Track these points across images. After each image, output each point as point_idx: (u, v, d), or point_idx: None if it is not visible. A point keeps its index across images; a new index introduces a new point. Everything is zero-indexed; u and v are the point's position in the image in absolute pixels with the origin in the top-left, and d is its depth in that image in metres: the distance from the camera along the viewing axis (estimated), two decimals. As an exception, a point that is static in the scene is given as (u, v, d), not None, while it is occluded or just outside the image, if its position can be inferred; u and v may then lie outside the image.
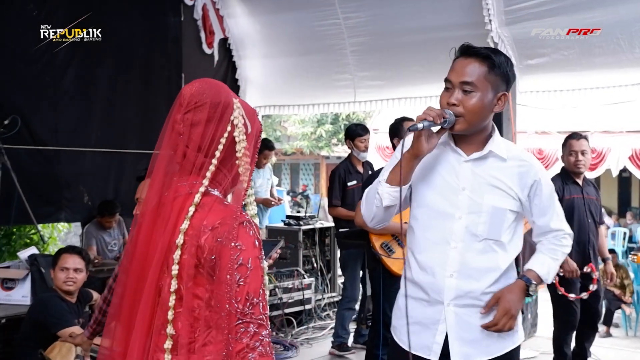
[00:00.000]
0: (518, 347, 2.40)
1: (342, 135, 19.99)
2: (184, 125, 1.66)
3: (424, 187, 2.34)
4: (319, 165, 24.67)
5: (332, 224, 6.78)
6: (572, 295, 4.74)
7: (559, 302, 4.90)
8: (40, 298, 4.25)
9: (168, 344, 1.60)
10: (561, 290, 4.73)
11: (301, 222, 7.18)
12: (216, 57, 7.91)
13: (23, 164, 5.95)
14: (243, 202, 1.70)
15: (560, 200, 4.71)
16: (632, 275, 7.25)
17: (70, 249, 4.30)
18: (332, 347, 5.87)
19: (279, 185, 20.85)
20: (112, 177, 6.91)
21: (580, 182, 4.88)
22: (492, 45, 6.42)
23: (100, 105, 6.76)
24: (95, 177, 6.76)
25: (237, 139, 1.67)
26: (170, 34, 7.41)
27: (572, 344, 5.01)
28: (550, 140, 10.80)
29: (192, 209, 1.62)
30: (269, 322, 1.57)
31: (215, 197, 1.66)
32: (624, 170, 11.16)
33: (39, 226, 6.81)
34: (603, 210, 5.31)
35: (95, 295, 4.56)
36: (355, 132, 5.86)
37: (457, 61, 2.30)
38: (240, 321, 1.52)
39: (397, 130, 4.61)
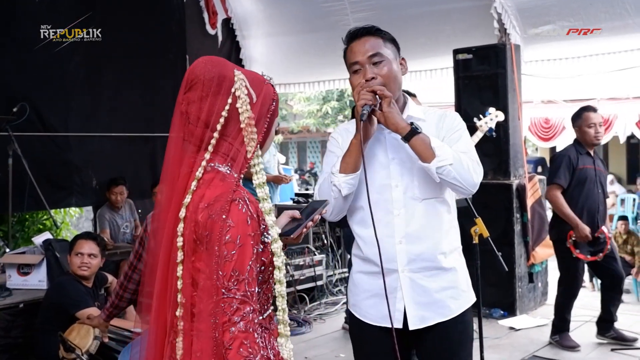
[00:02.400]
0: (471, 307, 2.44)
1: (348, 112, 19.97)
2: (184, 104, 1.68)
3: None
4: (326, 142, 24.65)
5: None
6: (588, 257, 4.92)
7: (567, 269, 5.08)
8: (57, 281, 4.32)
9: (179, 312, 1.63)
10: (579, 256, 4.92)
11: (310, 200, 7.22)
12: (220, 38, 7.91)
13: (33, 151, 6.01)
14: (254, 180, 1.69)
15: (574, 169, 4.88)
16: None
17: (85, 235, 4.38)
18: (345, 323, 5.94)
19: (286, 163, 20.89)
20: (120, 161, 6.96)
21: (592, 153, 5.06)
22: (495, 16, 6.41)
23: (107, 90, 6.80)
24: (104, 161, 6.81)
25: (240, 110, 1.66)
26: (173, 16, 7.41)
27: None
28: (557, 109, 10.75)
29: (194, 184, 1.64)
30: (255, 300, 1.57)
31: (217, 173, 1.67)
32: (632, 136, 11.11)
33: (51, 211, 6.88)
34: (612, 177, 5.44)
35: (110, 278, 4.62)
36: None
37: (353, 44, 2.39)
38: (224, 295, 1.53)
39: None
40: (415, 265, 2.33)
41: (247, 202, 1.61)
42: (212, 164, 1.67)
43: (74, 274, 4.17)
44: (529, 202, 6.18)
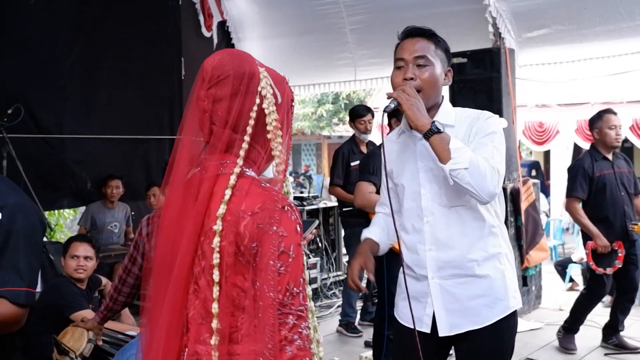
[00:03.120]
0: (512, 315, 2.40)
1: (343, 115, 19.96)
2: (208, 102, 1.53)
3: (397, 175, 2.47)
4: (321, 145, 24.65)
5: (336, 204, 6.83)
6: (608, 269, 4.92)
7: (593, 274, 5.09)
8: (52, 283, 4.30)
9: (215, 340, 1.48)
10: (595, 268, 4.94)
11: (305, 203, 7.23)
12: (215, 40, 7.91)
13: (28, 153, 5.98)
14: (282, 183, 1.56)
15: (591, 178, 4.87)
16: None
17: (80, 238, 4.38)
18: (339, 326, 5.94)
19: (281, 166, 20.82)
20: (115, 163, 6.93)
21: (610, 157, 5.06)
22: (490, 20, 6.43)
23: (102, 92, 6.78)
24: (98, 163, 6.78)
25: (266, 111, 1.52)
26: (169, 18, 7.41)
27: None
28: (551, 113, 10.78)
29: (228, 192, 1.48)
30: (308, 314, 1.45)
31: (252, 179, 1.52)
32: (626, 140, 11.14)
33: (45, 213, 6.85)
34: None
35: (104, 280, 4.61)
36: (355, 113, 5.84)
37: (405, 41, 2.40)
38: (279, 312, 1.40)
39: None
40: (445, 273, 2.35)
41: (295, 209, 1.48)
42: (241, 169, 1.53)
43: (68, 276, 4.16)
44: (523, 205, 6.19)
